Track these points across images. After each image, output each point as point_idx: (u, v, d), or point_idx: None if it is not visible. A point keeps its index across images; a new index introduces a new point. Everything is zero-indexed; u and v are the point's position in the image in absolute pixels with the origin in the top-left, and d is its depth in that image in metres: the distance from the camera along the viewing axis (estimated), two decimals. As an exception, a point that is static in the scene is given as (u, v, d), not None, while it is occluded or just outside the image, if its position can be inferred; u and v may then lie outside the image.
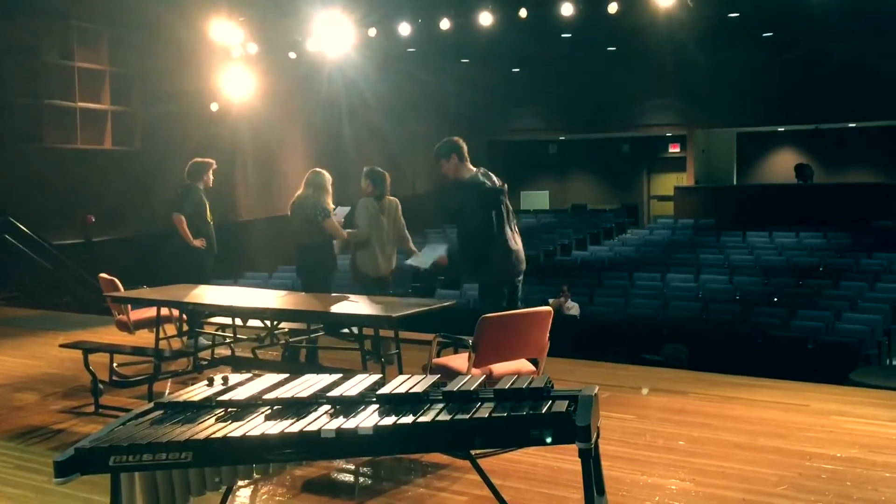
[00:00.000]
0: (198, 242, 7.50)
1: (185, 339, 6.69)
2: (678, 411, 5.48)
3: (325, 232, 6.71)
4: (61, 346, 7.05)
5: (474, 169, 5.66)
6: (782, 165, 22.07)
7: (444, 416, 2.53)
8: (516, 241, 5.65)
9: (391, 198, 6.91)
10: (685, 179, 21.41)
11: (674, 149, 23.31)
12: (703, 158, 21.80)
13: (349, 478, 4.29)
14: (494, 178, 5.63)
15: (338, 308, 5.31)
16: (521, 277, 5.74)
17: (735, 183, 22.36)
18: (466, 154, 5.65)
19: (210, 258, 7.68)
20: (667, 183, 23.23)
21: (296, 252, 7.00)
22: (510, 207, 5.70)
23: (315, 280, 6.77)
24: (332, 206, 6.79)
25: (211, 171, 7.69)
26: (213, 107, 14.91)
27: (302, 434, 2.52)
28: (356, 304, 5.40)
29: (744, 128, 21.65)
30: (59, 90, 12.96)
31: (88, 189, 13.08)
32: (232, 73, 14.79)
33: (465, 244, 5.66)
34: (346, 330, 5.91)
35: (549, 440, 2.45)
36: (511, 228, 5.63)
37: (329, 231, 6.72)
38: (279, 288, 11.56)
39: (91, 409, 5.72)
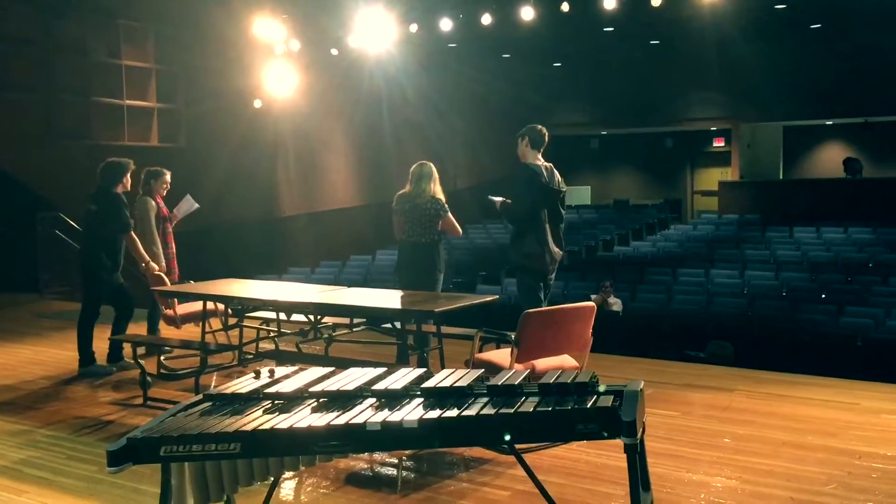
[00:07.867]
0: None
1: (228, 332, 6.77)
2: (723, 408, 5.41)
3: (437, 229, 6.34)
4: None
5: (541, 161, 5.85)
6: (830, 159, 21.66)
7: (489, 410, 2.52)
8: (556, 244, 5.83)
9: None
10: (730, 174, 21.11)
11: (718, 143, 23.00)
12: (748, 153, 21.47)
13: (392, 471, 4.31)
14: (557, 179, 5.83)
15: (380, 303, 5.34)
16: (553, 275, 5.95)
17: (781, 177, 21.99)
18: (540, 144, 5.85)
19: None
20: (711, 178, 22.93)
21: (403, 250, 6.44)
22: (562, 212, 5.88)
23: (427, 279, 6.27)
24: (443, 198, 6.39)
25: None
26: (256, 103, 15.07)
27: (347, 426, 2.53)
28: (398, 299, 5.42)
29: (790, 121, 21.27)
30: (107, 88, 13.20)
31: (136, 185, 13.31)
32: (275, 70, 14.93)
33: (510, 221, 6.03)
34: (387, 325, 5.95)
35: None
36: (556, 230, 5.83)
37: (445, 227, 6.36)
38: (322, 283, 11.63)
39: (139, 401, 5.84)
